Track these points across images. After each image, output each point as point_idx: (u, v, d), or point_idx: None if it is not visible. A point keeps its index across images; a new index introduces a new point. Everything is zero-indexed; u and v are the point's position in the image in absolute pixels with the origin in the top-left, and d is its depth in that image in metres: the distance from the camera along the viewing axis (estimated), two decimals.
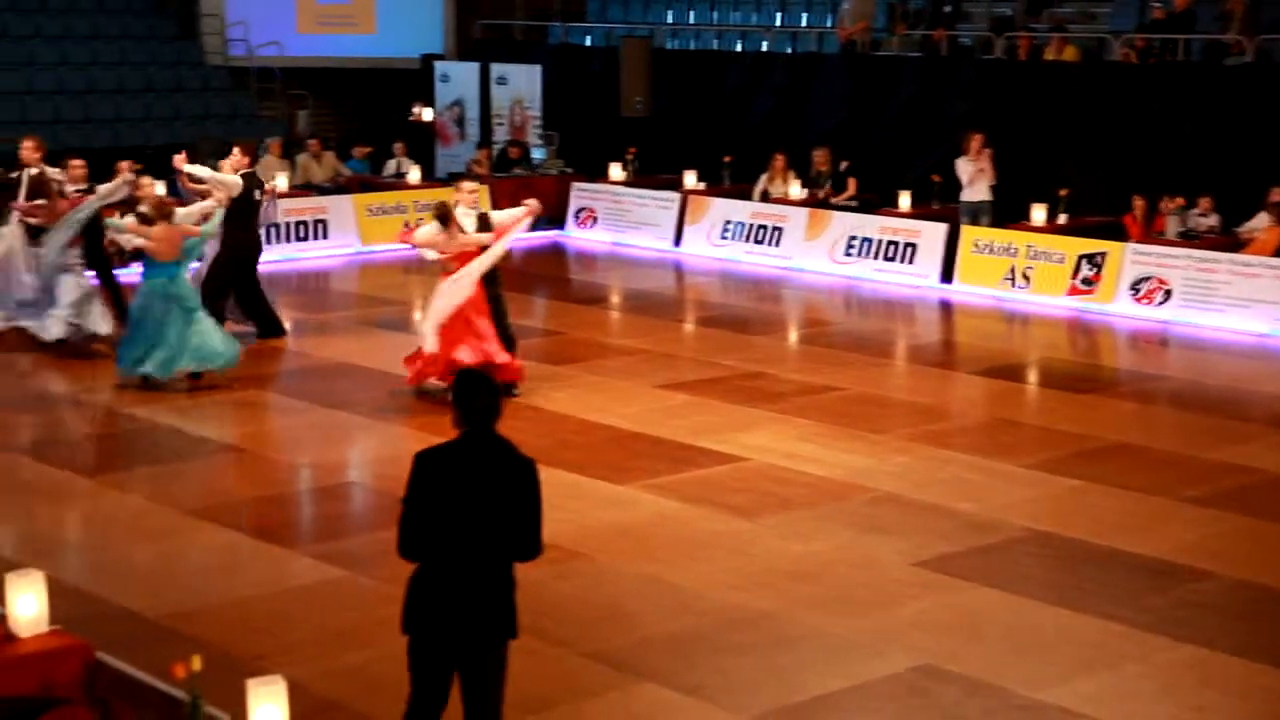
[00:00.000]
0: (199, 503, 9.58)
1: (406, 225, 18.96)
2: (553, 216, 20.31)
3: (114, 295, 14.00)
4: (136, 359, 12.03)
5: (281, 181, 19.07)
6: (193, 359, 12.03)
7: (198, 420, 11.43)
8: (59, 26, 22.87)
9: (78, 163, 14.25)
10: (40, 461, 10.59)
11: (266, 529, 9.26)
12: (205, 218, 12.81)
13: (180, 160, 13.61)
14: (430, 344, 11.49)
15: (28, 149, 13.95)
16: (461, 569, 5.41)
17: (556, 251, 19.65)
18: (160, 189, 15.13)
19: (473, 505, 5.39)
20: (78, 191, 13.78)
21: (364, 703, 6.71)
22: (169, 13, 24.27)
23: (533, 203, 12.15)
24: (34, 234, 13.71)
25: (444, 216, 11.50)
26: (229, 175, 13.49)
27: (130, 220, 12.26)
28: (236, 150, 13.88)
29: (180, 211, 12.78)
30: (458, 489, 5.39)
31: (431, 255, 11.69)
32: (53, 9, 23.08)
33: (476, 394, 5.48)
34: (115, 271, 14.56)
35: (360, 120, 24.72)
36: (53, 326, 13.24)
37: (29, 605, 5.68)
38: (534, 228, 20.31)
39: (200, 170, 13.52)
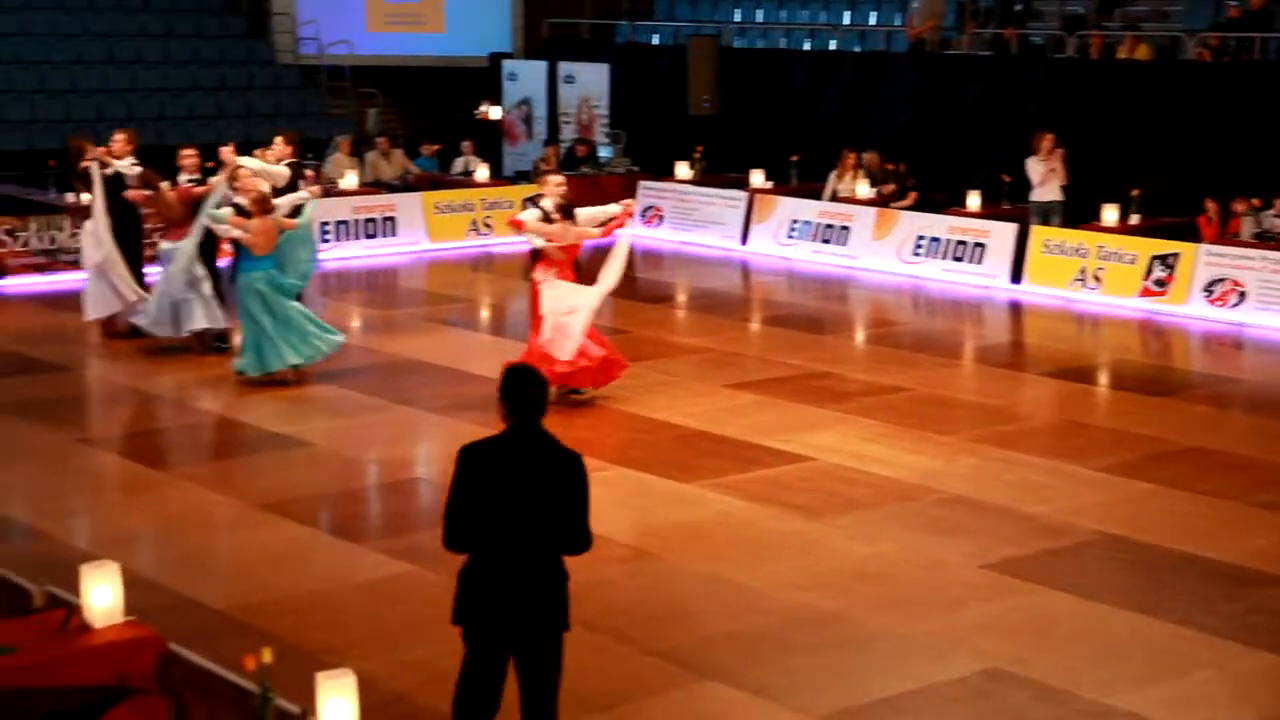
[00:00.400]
0: (270, 497, 9.67)
1: (474, 227, 19.14)
2: None
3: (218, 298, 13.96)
4: (259, 359, 12.12)
5: (351, 179, 19.24)
6: (288, 354, 12.12)
7: (269, 415, 11.52)
8: (135, 25, 23.16)
9: (189, 152, 13.89)
10: (115, 454, 10.72)
11: (336, 524, 9.34)
12: (297, 209, 12.78)
13: (228, 153, 13.65)
14: (569, 352, 11.42)
15: (118, 142, 13.87)
16: (508, 561, 5.46)
17: None
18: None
19: (517, 498, 5.44)
20: (190, 181, 13.55)
21: (430, 696, 6.73)
22: (241, 11, 24.52)
23: (629, 202, 12.31)
24: (123, 229, 13.77)
25: (567, 208, 11.56)
26: (275, 166, 13.40)
27: (229, 212, 12.30)
28: (279, 140, 13.81)
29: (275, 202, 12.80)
30: (502, 482, 5.44)
31: (539, 243, 11.65)
32: (128, 7, 23.37)
33: (525, 389, 5.52)
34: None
35: (428, 118, 24.85)
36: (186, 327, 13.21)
37: (104, 596, 5.74)
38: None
39: (249, 162, 13.52)
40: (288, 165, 13.54)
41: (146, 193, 13.45)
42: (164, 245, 13.40)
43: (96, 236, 13.76)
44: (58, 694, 5.46)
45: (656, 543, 8.91)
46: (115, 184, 13.72)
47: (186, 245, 13.09)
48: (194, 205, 13.12)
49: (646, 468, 10.25)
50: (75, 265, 15.56)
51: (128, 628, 5.75)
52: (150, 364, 13.12)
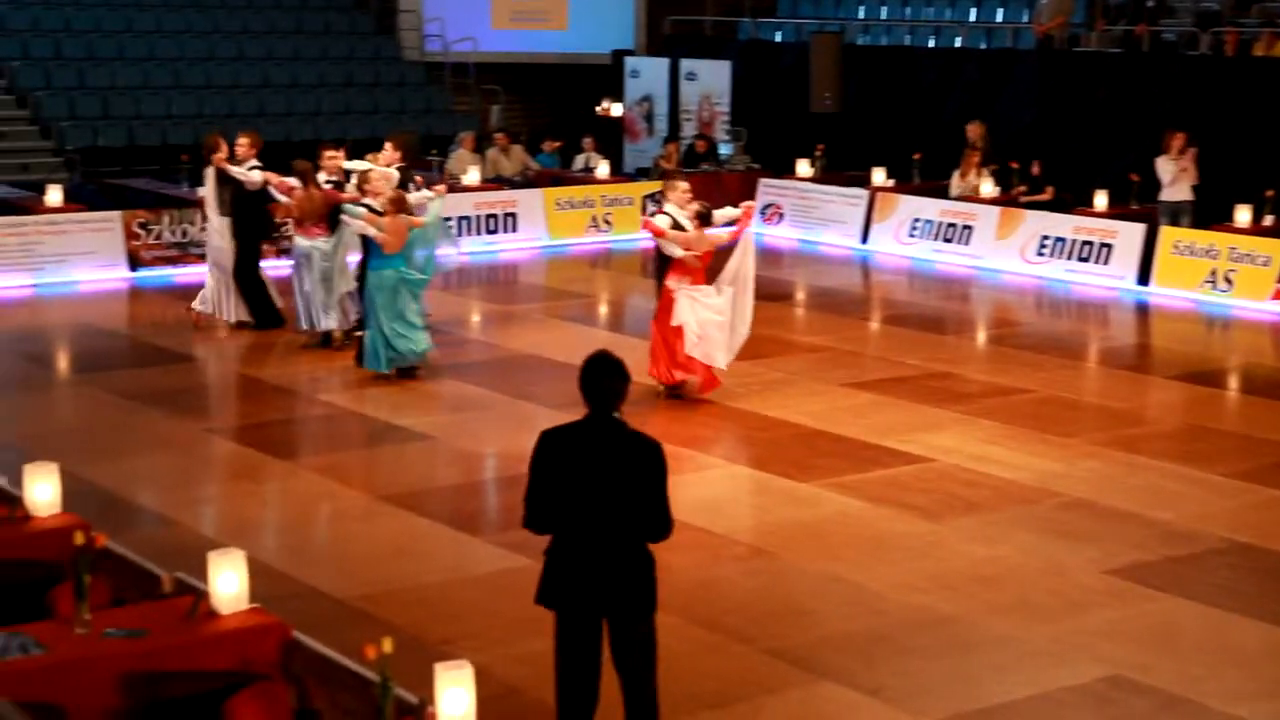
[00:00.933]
0: (390, 489, 9.80)
1: (594, 223, 19.20)
2: None
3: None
4: (388, 355, 12.17)
5: (474, 175, 19.41)
6: (419, 342, 12.23)
7: (390, 408, 11.67)
8: (265, 22, 23.60)
9: (332, 153, 13.88)
10: (241, 444, 10.92)
11: (454, 516, 9.43)
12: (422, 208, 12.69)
13: (339, 156, 13.75)
14: (723, 360, 11.64)
15: (242, 146, 13.99)
16: (587, 544, 5.63)
17: None
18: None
19: (593, 483, 5.59)
20: (329, 183, 13.57)
21: (544, 690, 6.74)
22: (369, 9, 24.87)
23: (750, 204, 12.18)
24: (244, 229, 14.03)
25: (705, 215, 11.58)
26: (386, 170, 13.20)
27: (363, 210, 12.25)
28: (389, 145, 13.80)
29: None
30: (578, 467, 5.61)
31: (677, 252, 11.45)
32: (259, 5, 23.82)
33: (600, 377, 5.66)
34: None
35: (551, 115, 25.03)
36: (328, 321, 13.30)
37: (230, 583, 5.84)
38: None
39: (359, 165, 13.44)
40: (397, 169, 13.55)
41: (293, 182, 13.50)
42: (301, 242, 13.34)
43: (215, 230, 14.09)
44: (185, 678, 5.58)
45: (773, 541, 8.89)
46: (237, 186, 13.92)
47: (340, 256, 13.14)
48: (333, 207, 13.17)
49: (764, 466, 10.23)
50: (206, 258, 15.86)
51: (252, 614, 5.85)
52: (275, 357, 13.36)
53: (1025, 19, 21.76)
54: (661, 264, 11.90)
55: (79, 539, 5.73)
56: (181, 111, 21.27)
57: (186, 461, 10.46)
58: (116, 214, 16.76)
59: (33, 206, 16.89)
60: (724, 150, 21.70)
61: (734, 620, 7.70)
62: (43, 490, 6.75)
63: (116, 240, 16.61)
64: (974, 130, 18.79)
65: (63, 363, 13.74)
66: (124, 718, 5.46)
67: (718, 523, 9.07)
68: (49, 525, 6.65)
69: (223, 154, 13.98)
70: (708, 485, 9.79)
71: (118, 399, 11.95)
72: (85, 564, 5.68)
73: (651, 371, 11.61)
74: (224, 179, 13.95)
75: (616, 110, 23.99)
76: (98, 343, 14.00)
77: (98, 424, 11.38)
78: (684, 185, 11.97)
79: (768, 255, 19.14)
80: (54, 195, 16.87)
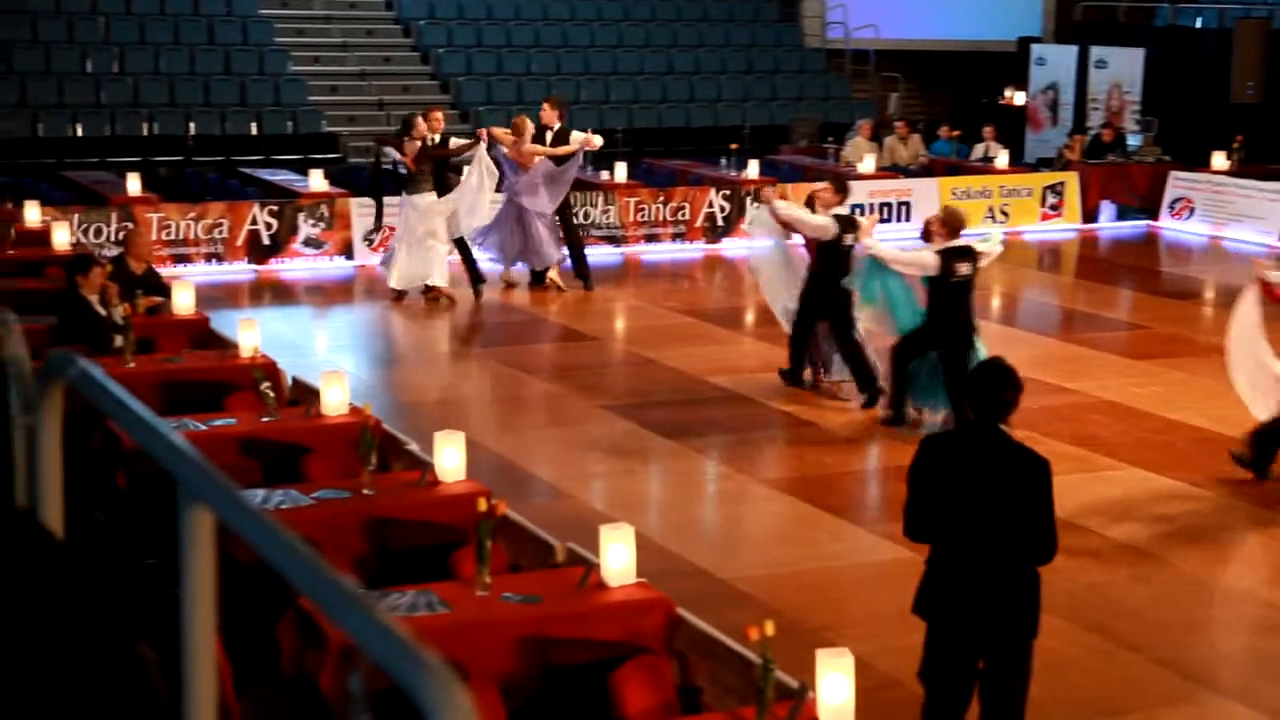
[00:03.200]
0: (774, 473, 9.90)
1: (990, 214, 18.79)
2: (1145, 206, 19.55)
3: None
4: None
5: (869, 163, 19.31)
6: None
7: (777, 395, 11.74)
8: (672, 10, 24.15)
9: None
10: (633, 422, 11.24)
11: (837, 504, 9.43)
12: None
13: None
14: None
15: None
16: (968, 558, 5.42)
17: (1149, 242, 18.82)
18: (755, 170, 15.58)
19: (972, 495, 5.37)
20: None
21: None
22: None
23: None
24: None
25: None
26: (820, 217, 11.39)
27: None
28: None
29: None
30: (957, 477, 5.41)
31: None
32: None
33: (988, 384, 5.45)
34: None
35: (950, 103, 24.64)
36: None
37: (620, 556, 6.01)
38: (1122, 216, 19.73)
39: (791, 210, 11.76)
40: (835, 218, 11.36)
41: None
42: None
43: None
44: (576, 646, 5.79)
45: (1167, 547, 8.51)
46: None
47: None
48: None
49: (1159, 469, 9.80)
50: (605, 240, 16.39)
51: (639, 589, 5.99)
52: (671, 340, 13.66)
53: None
54: None
55: (482, 505, 6.02)
56: (590, 97, 22.00)
57: (580, 436, 10.83)
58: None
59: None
60: (1132, 141, 20.85)
61: (1123, 627, 7.42)
62: (450, 457, 7.11)
63: None
64: None
65: (470, 336, 14.45)
66: (517, 680, 5.71)
67: (1110, 526, 8.77)
68: (455, 491, 7.00)
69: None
70: (1100, 487, 9.46)
71: (519, 373, 12.49)
72: (487, 530, 5.96)
73: None
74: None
75: (1019, 99, 23.40)
76: (502, 318, 14.65)
77: (500, 396, 11.94)
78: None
79: (1175, 250, 18.32)
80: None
